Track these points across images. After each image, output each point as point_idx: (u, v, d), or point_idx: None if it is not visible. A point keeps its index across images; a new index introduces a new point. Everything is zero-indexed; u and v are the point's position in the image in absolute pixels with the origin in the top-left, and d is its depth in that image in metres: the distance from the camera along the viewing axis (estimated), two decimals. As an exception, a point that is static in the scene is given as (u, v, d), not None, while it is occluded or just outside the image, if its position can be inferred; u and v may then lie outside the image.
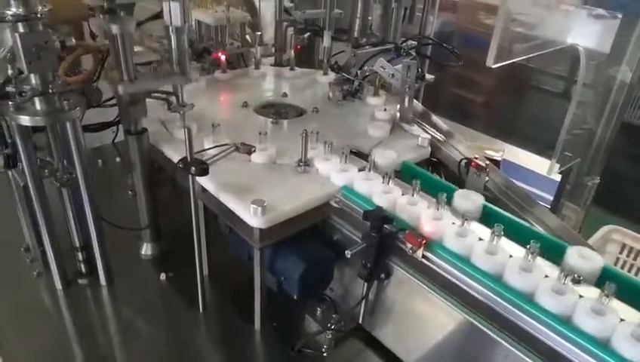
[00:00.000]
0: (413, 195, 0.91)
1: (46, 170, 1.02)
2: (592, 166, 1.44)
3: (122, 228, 1.15)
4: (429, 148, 1.21)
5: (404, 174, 1.09)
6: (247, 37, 1.66)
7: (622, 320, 0.68)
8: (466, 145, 1.22)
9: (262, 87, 1.56)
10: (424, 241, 0.82)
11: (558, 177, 1.52)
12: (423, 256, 0.83)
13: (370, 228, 0.86)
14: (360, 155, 1.11)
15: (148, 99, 1.07)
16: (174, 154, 1.08)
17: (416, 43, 1.46)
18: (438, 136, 1.23)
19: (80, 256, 1.12)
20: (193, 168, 0.92)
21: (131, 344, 1.00)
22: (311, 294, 1.00)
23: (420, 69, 1.30)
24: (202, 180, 0.98)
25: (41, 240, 1.07)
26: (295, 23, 1.69)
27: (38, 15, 0.85)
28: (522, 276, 0.74)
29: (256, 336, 1.03)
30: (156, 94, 1.10)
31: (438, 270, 0.82)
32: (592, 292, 0.73)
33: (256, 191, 0.96)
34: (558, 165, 1.39)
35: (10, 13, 0.83)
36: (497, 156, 1.41)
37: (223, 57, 1.56)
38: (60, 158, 1.03)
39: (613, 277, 0.75)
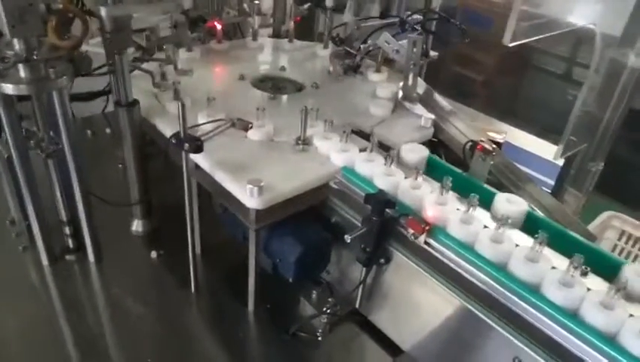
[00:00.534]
0: (416, 179, 0.88)
1: (31, 141, 0.97)
2: (597, 151, 1.42)
3: (111, 203, 1.11)
4: (432, 129, 1.17)
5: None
6: (245, 6, 1.59)
7: (631, 315, 0.66)
8: (469, 125, 1.18)
9: (259, 60, 1.50)
10: (427, 228, 0.79)
11: (560, 161, 1.50)
12: (425, 243, 0.81)
13: (371, 212, 0.83)
14: (361, 135, 1.07)
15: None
16: (167, 128, 1.03)
17: (421, 17, 1.40)
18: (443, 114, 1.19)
19: (67, 230, 1.08)
20: (187, 145, 0.88)
21: (120, 322, 0.98)
22: (307, 277, 0.98)
23: (424, 46, 1.24)
24: (196, 157, 0.94)
25: (26, 213, 1.02)
26: (295, -7, 1.63)
27: (22, -27, 0.78)
28: (528, 266, 0.72)
29: (250, 318, 1.01)
30: (145, 66, 1.04)
31: (440, 257, 0.80)
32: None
33: (252, 169, 0.92)
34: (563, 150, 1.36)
35: (-10, -29, 0.76)
36: (500, 138, 1.37)
37: (219, 26, 1.50)
38: (45, 128, 0.98)
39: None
